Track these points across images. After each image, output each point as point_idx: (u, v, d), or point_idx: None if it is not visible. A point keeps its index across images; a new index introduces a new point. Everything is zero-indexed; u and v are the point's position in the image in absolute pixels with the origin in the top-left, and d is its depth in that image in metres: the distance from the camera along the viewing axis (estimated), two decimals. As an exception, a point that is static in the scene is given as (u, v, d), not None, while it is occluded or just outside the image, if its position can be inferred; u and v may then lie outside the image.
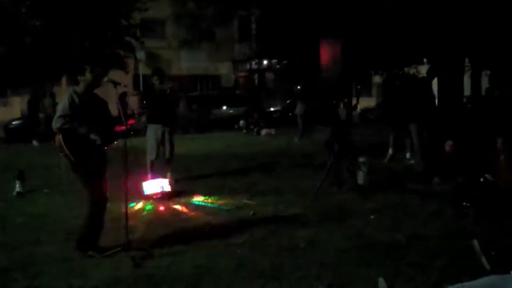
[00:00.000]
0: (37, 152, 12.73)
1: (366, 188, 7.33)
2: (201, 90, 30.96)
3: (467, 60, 14.92)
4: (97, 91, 5.02)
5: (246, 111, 21.09)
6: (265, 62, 28.72)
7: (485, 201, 5.73)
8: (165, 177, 7.84)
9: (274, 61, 25.63)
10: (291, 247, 4.90)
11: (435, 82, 11.05)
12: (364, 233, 5.32)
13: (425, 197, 6.71)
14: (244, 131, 18.66)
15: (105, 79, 5.04)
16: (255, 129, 18.12)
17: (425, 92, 8.98)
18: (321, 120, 15.58)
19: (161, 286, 4.07)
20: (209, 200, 7.11)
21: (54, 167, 8.54)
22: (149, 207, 6.80)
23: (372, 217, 5.94)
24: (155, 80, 8.22)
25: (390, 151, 10.07)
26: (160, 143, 8.10)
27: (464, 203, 5.85)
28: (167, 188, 7.35)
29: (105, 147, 4.86)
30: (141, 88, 23.66)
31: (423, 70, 15.20)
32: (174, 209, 6.70)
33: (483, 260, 4.08)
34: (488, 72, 19.20)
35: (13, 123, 18.05)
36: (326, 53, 7.34)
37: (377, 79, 24.48)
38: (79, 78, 4.89)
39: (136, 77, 25.49)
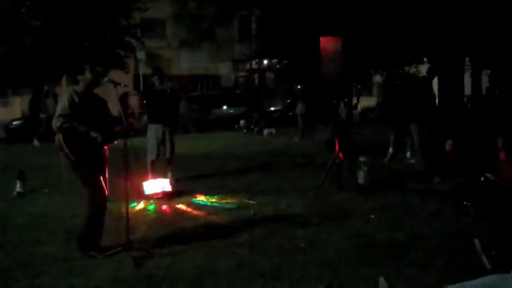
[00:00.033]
0: (38, 152, 12.72)
1: (366, 188, 7.33)
2: (201, 90, 30.96)
3: (467, 59, 14.93)
4: (97, 91, 5.03)
5: (246, 111, 21.08)
6: (265, 62, 28.75)
7: (486, 200, 5.72)
8: (165, 177, 7.84)
9: (274, 61, 25.66)
10: (292, 247, 4.90)
11: (435, 82, 11.04)
12: (364, 232, 5.32)
13: (426, 197, 6.70)
14: (245, 131, 18.65)
15: (105, 79, 5.05)
16: (255, 129, 18.12)
17: (425, 91, 8.98)
18: (322, 120, 15.59)
19: (162, 286, 4.07)
20: (210, 200, 7.11)
21: (54, 167, 8.54)
22: (149, 207, 6.80)
23: (372, 216, 5.94)
24: (155, 80, 8.22)
25: (391, 150, 10.07)
26: (161, 143, 8.11)
27: (464, 203, 5.86)
28: (168, 188, 7.35)
29: (105, 147, 4.86)
30: (142, 88, 23.67)
31: (423, 69, 15.19)
32: (175, 209, 6.70)
33: (484, 259, 4.08)
34: (489, 72, 19.20)
35: (14, 123, 18.05)
36: (326, 51, 7.33)
37: (377, 78, 24.49)
38: (79, 77, 4.88)
39: (136, 77, 25.50)
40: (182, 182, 8.17)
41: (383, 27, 11.95)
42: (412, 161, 9.35)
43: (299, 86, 16.91)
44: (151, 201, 7.02)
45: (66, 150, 4.58)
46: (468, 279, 3.48)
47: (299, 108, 15.51)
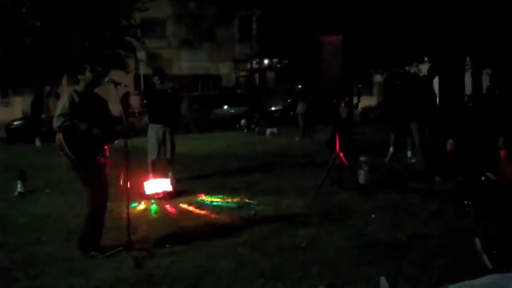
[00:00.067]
0: (39, 152, 12.73)
1: (367, 187, 7.33)
2: (202, 90, 30.97)
3: (468, 58, 14.92)
4: (98, 91, 5.03)
5: (247, 110, 21.09)
6: (266, 61, 28.75)
7: (486, 199, 5.72)
8: (166, 176, 7.84)
9: (275, 60, 25.67)
10: (292, 247, 4.90)
11: (436, 81, 11.04)
12: (365, 232, 5.32)
13: (426, 196, 6.70)
14: (245, 130, 18.65)
15: (106, 79, 5.05)
16: (256, 129, 18.12)
17: (426, 90, 8.96)
18: (322, 120, 15.58)
19: (162, 286, 4.07)
20: (210, 200, 7.11)
21: (55, 167, 8.54)
22: (150, 207, 6.80)
23: (373, 216, 5.93)
24: (156, 80, 8.22)
25: (391, 149, 10.07)
26: (161, 143, 8.11)
27: (465, 202, 5.85)
28: (168, 188, 7.35)
29: (105, 146, 4.86)
30: (142, 88, 23.67)
31: (424, 68, 15.19)
32: (175, 209, 6.69)
33: (485, 259, 4.08)
34: (489, 71, 19.18)
35: (15, 123, 18.06)
36: (327, 51, 7.33)
37: (378, 78, 24.50)
38: (79, 77, 4.89)
39: (137, 77, 25.52)
40: (183, 182, 8.17)
41: (384, 26, 11.95)
42: (413, 160, 9.34)
43: (299, 86, 16.89)
44: (152, 201, 7.03)
45: (67, 150, 4.58)
46: (468, 279, 3.49)
47: (300, 107, 15.50)
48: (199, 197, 7.27)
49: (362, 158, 7.90)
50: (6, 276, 4.35)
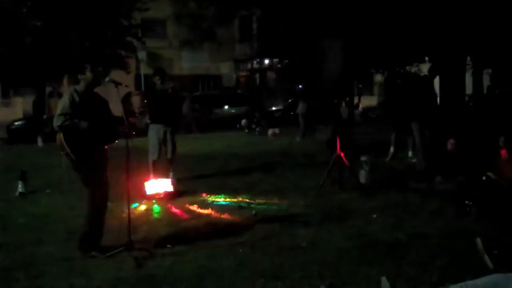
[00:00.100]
0: (40, 153, 12.74)
1: (367, 187, 7.32)
2: (202, 90, 30.98)
3: (468, 58, 14.92)
4: (99, 91, 5.03)
5: (248, 110, 21.08)
6: (266, 61, 28.75)
7: (487, 199, 5.72)
8: (167, 177, 7.84)
9: (275, 60, 25.68)
10: (293, 247, 4.90)
11: (436, 81, 11.03)
12: (365, 232, 5.32)
13: (427, 196, 6.69)
14: (246, 130, 18.65)
15: (107, 79, 5.05)
16: (257, 129, 18.12)
17: (426, 90, 8.96)
18: (323, 120, 15.57)
19: (163, 286, 4.07)
20: (211, 200, 7.11)
21: (56, 167, 8.55)
22: (151, 207, 6.80)
23: (373, 216, 5.93)
24: (156, 80, 8.22)
25: (392, 149, 10.06)
26: (162, 143, 8.11)
27: (466, 202, 5.84)
28: (169, 188, 7.35)
29: (106, 146, 4.86)
30: (143, 88, 23.67)
31: (424, 68, 15.19)
32: (176, 209, 6.69)
33: (486, 258, 4.07)
34: (490, 71, 19.18)
35: (16, 123, 18.08)
36: (327, 51, 7.33)
37: (378, 77, 24.49)
38: (79, 77, 4.89)
39: (137, 77, 25.52)
40: (184, 182, 8.17)
41: (384, 26, 11.95)
42: (414, 160, 9.33)
43: (300, 86, 16.89)
44: (153, 201, 7.03)
45: (67, 149, 4.58)
46: (469, 279, 3.48)
47: (300, 107, 15.49)
48: (200, 197, 7.27)
49: (363, 158, 7.89)
50: (6, 276, 4.36)
